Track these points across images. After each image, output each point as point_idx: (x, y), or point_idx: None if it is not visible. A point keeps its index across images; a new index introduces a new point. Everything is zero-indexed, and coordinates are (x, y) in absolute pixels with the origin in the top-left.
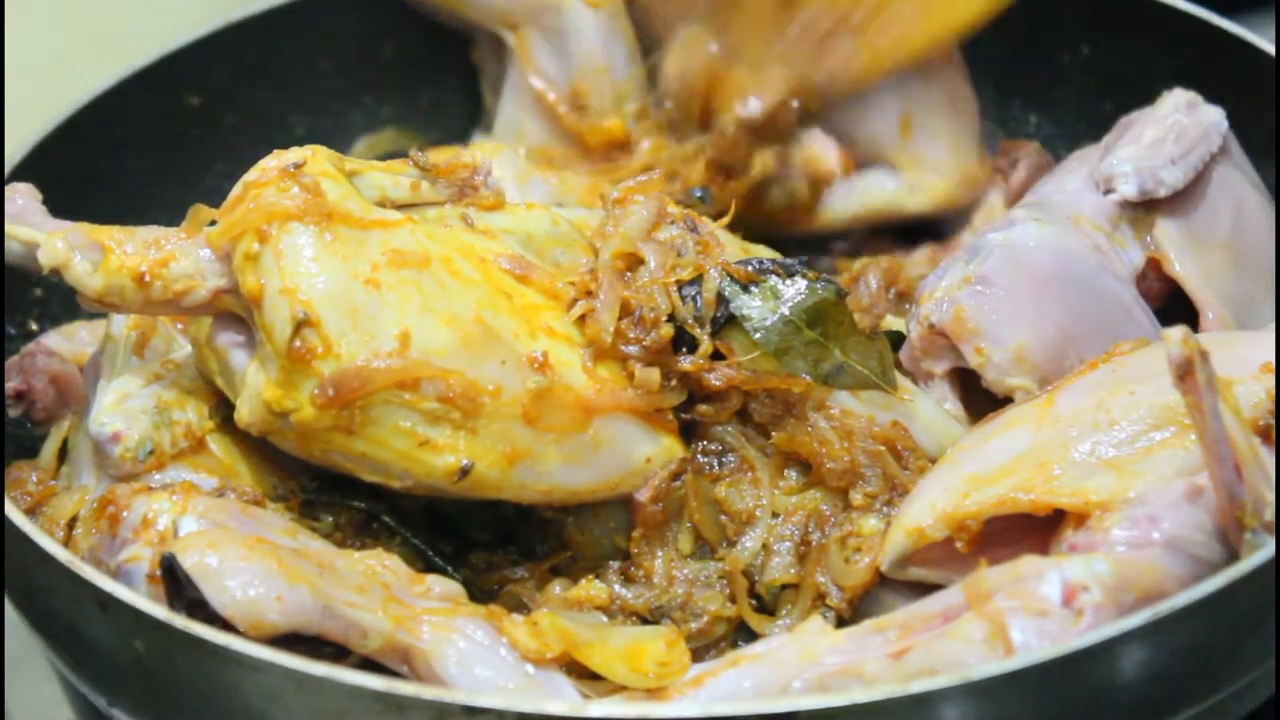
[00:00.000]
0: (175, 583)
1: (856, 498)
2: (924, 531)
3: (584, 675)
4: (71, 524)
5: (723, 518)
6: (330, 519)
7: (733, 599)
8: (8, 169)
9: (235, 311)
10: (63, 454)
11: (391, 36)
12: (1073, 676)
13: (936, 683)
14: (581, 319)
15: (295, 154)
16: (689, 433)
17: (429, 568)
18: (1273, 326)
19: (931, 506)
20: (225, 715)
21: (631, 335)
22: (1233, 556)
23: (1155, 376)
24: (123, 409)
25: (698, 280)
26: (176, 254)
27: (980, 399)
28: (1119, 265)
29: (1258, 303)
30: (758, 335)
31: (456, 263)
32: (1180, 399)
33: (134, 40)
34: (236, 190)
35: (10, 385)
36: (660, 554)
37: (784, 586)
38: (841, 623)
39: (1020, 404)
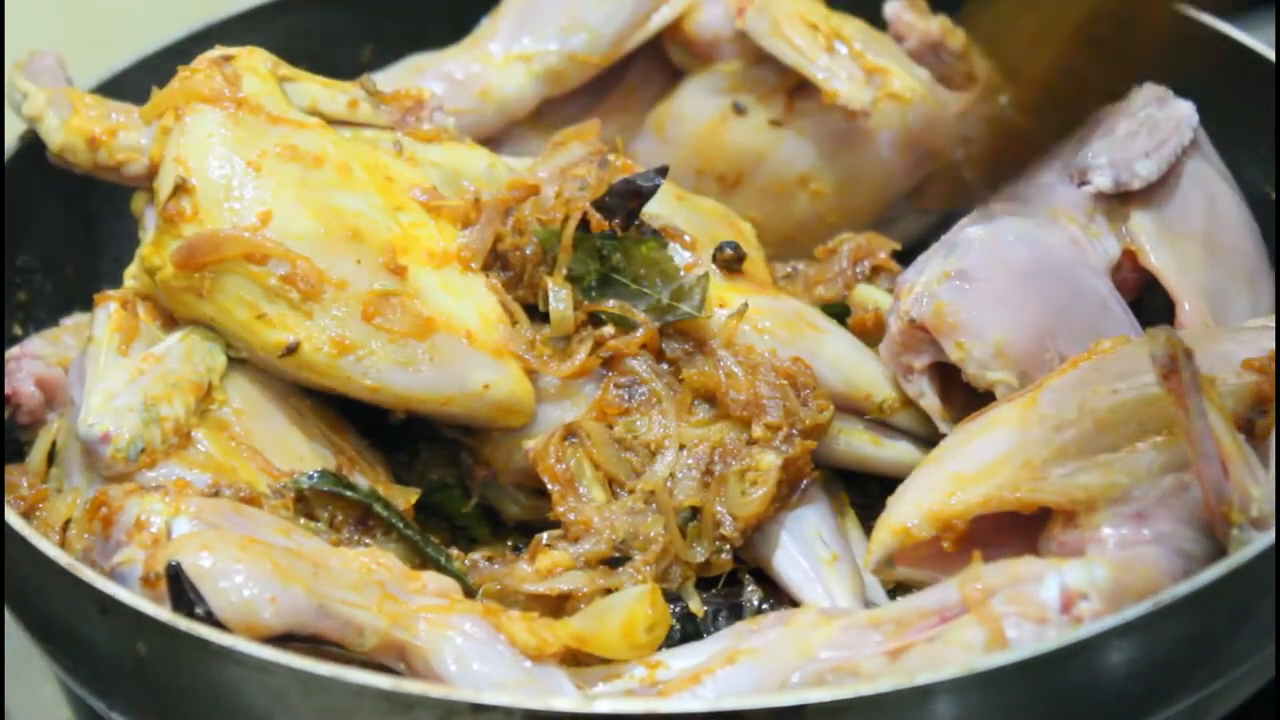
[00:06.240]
0: (180, 589)
1: (758, 430)
2: (910, 531)
3: (572, 664)
4: (65, 527)
5: (627, 454)
6: (325, 514)
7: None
8: (7, 159)
9: None
10: (50, 457)
11: (370, 39)
12: (1075, 667)
13: (941, 674)
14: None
15: (232, 50)
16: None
17: (424, 564)
18: (1253, 322)
19: (917, 506)
20: (228, 716)
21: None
22: (1220, 552)
23: (1137, 374)
24: (110, 408)
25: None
26: (126, 126)
27: (959, 393)
28: (1095, 257)
29: (1232, 294)
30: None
31: (354, 172)
32: (1163, 396)
33: (132, 40)
34: (177, 76)
35: None
36: (587, 505)
37: (693, 512)
38: (735, 555)
39: (1003, 402)
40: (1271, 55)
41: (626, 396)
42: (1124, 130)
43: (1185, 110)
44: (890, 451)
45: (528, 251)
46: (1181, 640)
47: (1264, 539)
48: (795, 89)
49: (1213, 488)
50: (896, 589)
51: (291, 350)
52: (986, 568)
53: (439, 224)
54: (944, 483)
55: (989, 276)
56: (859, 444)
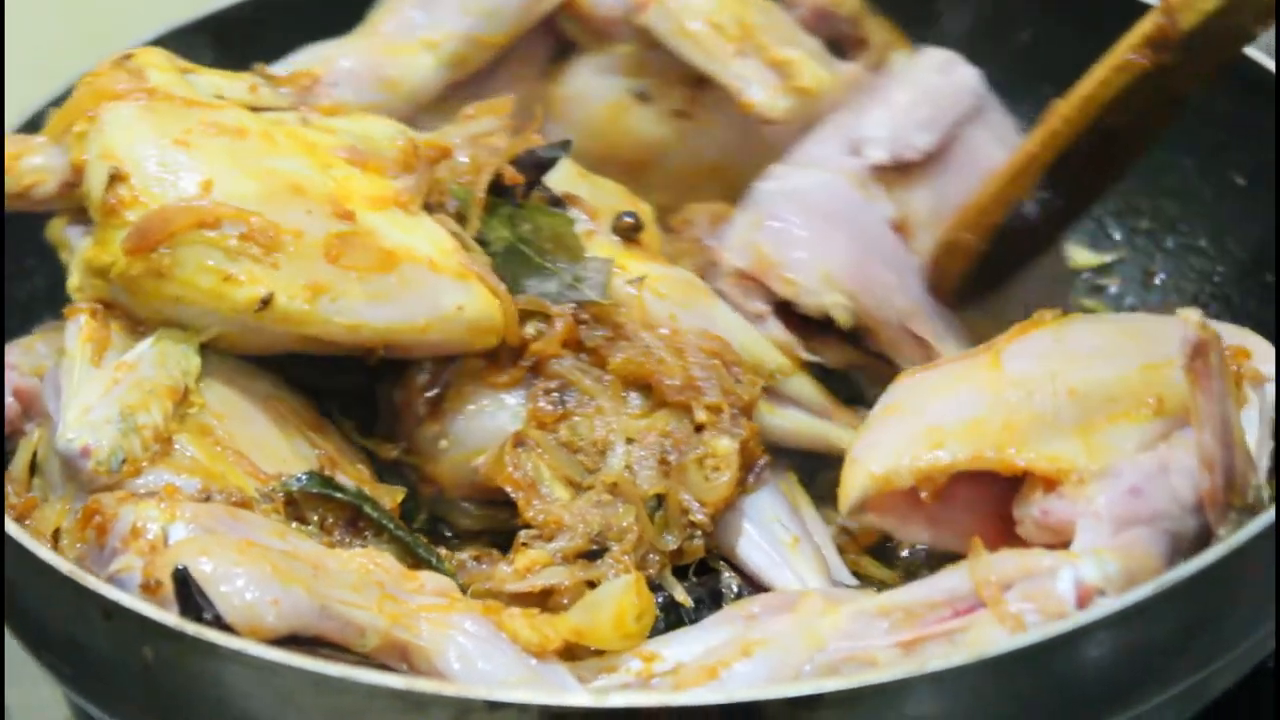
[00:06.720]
0: (188, 594)
1: (700, 414)
2: (891, 479)
3: (567, 658)
4: (56, 536)
5: (578, 456)
6: (315, 517)
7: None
8: None
9: (81, 205)
10: (32, 467)
11: None
12: (1085, 650)
13: (950, 661)
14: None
15: (129, 49)
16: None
17: (416, 564)
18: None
19: (897, 455)
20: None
21: None
22: (1204, 532)
23: (1109, 355)
24: (87, 422)
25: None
26: (30, 150)
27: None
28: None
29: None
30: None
31: (277, 139)
32: (1137, 376)
33: (132, 40)
34: (78, 87)
35: None
36: (553, 504)
37: (658, 500)
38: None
39: (957, 359)
40: (1270, 62)
41: (559, 400)
42: (903, 98)
43: (968, 79)
44: (787, 420)
45: (450, 208)
46: (1181, 624)
47: (1264, 518)
48: (698, 79)
49: (1225, 474)
50: (859, 575)
51: (266, 303)
52: (995, 558)
53: (369, 177)
54: (925, 434)
55: (795, 218)
56: (762, 414)
